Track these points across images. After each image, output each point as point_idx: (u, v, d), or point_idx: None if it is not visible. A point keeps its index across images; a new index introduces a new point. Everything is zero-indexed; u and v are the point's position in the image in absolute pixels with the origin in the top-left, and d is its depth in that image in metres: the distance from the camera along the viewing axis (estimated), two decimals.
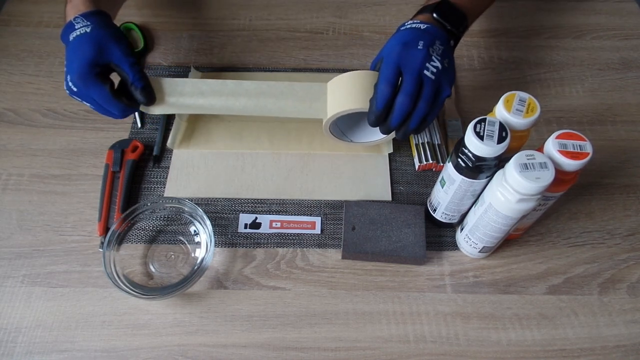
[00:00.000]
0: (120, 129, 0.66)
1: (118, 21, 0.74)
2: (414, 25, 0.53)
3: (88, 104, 0.54)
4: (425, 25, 0.53)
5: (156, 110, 0.56)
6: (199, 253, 0.56)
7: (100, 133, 0.65)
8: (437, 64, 0.50)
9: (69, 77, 0.52)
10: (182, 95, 0.56)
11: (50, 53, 0.72)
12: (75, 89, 0.52)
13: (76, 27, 0.53)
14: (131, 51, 0.55)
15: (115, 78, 0.54)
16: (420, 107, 0.50)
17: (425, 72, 0.50)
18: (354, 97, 0.54)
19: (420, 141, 0.63)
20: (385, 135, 0.57)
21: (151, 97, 0.55)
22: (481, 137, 0.45)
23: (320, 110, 0.57)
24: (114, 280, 0.53)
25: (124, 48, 0.54)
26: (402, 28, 0.54)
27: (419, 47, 0.50)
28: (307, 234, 0.59)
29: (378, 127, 0.53)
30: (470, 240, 0.54)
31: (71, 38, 0.53)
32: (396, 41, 0.52)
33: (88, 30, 0.53)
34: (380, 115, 0.51)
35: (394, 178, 0.63)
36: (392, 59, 0.50)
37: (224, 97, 0.56)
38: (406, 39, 0.52)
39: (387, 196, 0.61)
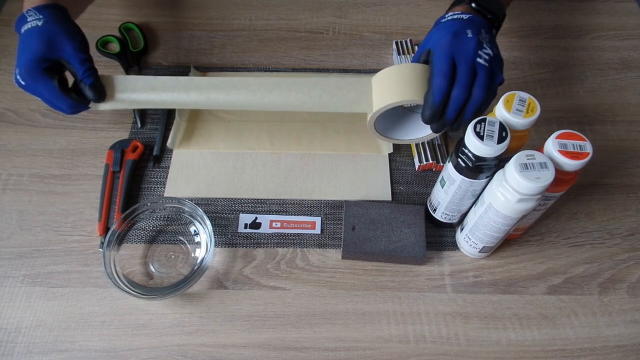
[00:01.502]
0: (120, 129, 0.66)
1: (119, 21, 0.74)
2: (455, 17, 0.52)
3: (38, 98, 0.54)
4: (468, 16, 0.51)
5: (106, 106, 0.56)
6: (199, 253, 0.56)
7: (100, 133, 0.65)
8: (489, 50, 0.49)
9: (17, 71, 0.52)
10: (134, 92, 0.56)
11: None
12: (23, 83, 0.52)
13: (28, 19, 0.53)
14: (83, 47, 0.54)
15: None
16: (475, 95, 0.48)
17: (479, 59, 0.49)
18: (405, 89, 0.51)
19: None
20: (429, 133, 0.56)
21: (100, 94, 0.54)
22: (481, 137, 0.45)
23: (359, 104, 0.55)
24: (114, 280, 0.53)
25: (76, 44, 0.53)
26: (444, 20, 0.53)
27: (469, 36, 0.49)
28: (307, 234, 0.59)
29: (430, 125, 0.52)
30: (470, 240, 0.54)
31: (22, 30, 0.53)
32: (444, 32, 0.50)
33: (40, 23, 0.53)
34: (438, 109, 0.49)
35: (394, 178, 0.63)
36: (444, 50, 0.49)
37: (175, 92, 0.56)
38: (454, 28, 0.50)
39: (387, 196, 0.61)
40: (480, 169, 0.47)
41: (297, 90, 0.56)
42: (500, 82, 0.51)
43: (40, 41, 0.52)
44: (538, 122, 0.49)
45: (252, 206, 0.61)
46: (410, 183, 0.63)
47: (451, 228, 0.59)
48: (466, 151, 0.47)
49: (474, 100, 0.49)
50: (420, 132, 0.58)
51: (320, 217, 0.60)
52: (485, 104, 0.50)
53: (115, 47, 0.72)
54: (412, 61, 0.54)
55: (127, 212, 0.57)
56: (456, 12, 0.53)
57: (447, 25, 0.51)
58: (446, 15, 0.53)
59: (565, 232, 0.60)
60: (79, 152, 0.64)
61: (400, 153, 0.65)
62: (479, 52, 0.49)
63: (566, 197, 0.59)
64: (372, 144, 0.65)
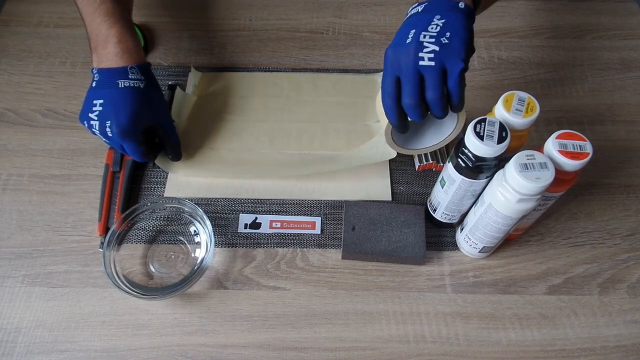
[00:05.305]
0: None
1: None
2: (412, 12, 0.50)
3: (107, 142, 0.57)
4: (423, 5, 0.49)
5: (169, 167, 0.62)
6: (199, 253, 0.56)
7: None
8: (433, 47, 0.46)
9: (108, 124, 0.53)
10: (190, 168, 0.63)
11: (50, 53, 0.72)
12: (110, 136, 0.54)
13: (130, 76, 0.55)
14: (169, 112, 0.60)
15: None
16: (431, 97, 0.47)
17: (422, 62, 0.46)
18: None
19: None
20: (447, 134, 0.57)
21: (180, 156, 0.62)
22: (481, 137, 0.45)
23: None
24: (114, 280, 0.53)
25: (166, 110, 0.60)
26: (404, 19, 0.51)
27: (407, 42, 0.47)
28: (307, 234, 0.59)
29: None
30: (470, 240, 0.54)
31: (120, 85, 0.54)
32: (390, 47, 0.50)
33: (142, 85, 0.55)
34: (399, 125, 0.51)
35: (394, 178, 0.63)
36: (386, 68, 0.49)
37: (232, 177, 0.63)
38: (396, 39, 0.49)
39: (387, 196, 0.61)
40: (480, 169, 0.48)
41: (339, 162, 0.62)
42: (460, 69, 0.46)
43: (144, 105, 0.55)
44: (538, 122, 0.50)
45: (252, 206, 0.61)
46: (410, 183, 0.63)
47: (451, 228, 0.59)
48: (466, 151, 0.47)
49: (432, 101, 0.47)
50: (441, 132, 0.58)
51: (320, 217, 0.60)
52: (455, 97, 0.47)
53: None
54: None
55: (127, 212, 0.57)
56: (414, 5, 0.51)
57: (396, 37, 0.50)
58: (408, 11, 0.51)
59: (565, 232, 0.60)
60: (79, 152, 0.64)
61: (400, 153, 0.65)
62: (419, 54, 0.47)
63: (566, 197, 0.59)
64: None
